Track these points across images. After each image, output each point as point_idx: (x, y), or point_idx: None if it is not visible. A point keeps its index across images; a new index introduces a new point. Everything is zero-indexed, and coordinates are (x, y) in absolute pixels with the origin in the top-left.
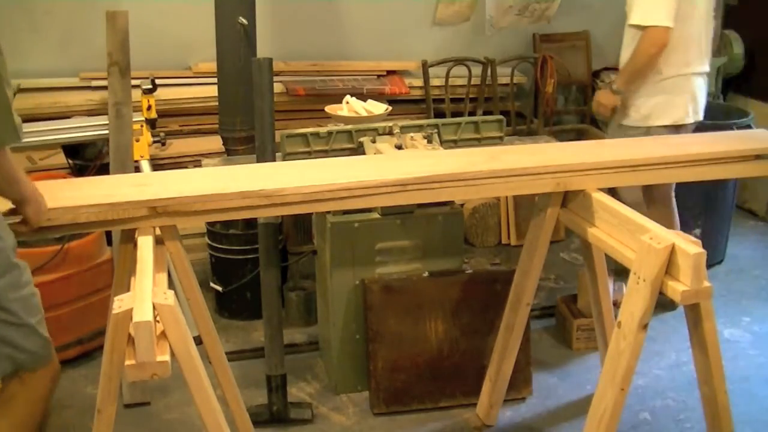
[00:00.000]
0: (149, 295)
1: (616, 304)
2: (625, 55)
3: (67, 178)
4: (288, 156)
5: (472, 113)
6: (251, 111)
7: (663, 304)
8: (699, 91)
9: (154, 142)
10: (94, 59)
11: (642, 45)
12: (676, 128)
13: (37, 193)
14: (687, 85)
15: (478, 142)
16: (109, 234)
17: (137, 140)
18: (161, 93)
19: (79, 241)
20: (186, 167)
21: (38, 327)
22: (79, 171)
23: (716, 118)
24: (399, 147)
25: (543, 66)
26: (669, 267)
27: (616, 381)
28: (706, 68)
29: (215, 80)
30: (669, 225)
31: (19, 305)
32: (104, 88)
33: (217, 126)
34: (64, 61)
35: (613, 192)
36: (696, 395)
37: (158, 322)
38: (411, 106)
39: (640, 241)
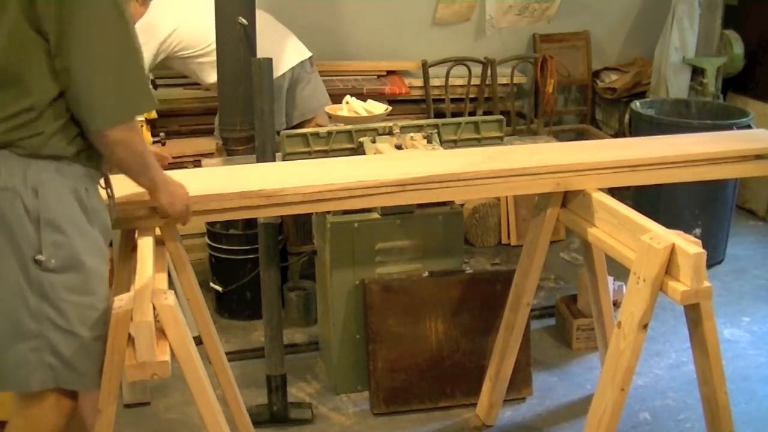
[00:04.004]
0: (149, 295)
1: (616, 304)
2: None
3: None
4: (288, 156)
5: (472, 113)
6: (251, 111)
7: None
8: None
9: (154, 142)
10: None
11: None
12: None
13: (171, 182)
14: None
15: (478, 142)
16: None
17: None
18: (161, 93)
19: None
20: (186, 167)
21: (91, 344)
22: None
23: (716, 118)
24: (399, 147)
25: (543, 66)
26: (669, 267)
27: (616, 381)
28: None
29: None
30: None
31: (73, 310)
32: None
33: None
34: None
35: None
36: (696, 395)
37: (158, 322)
38: (411, 106)
39: (640, 241)
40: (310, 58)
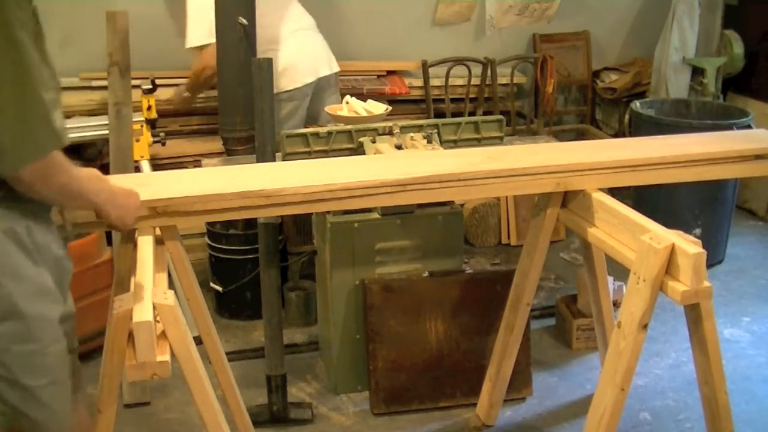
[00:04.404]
0: (149, 295)
1: (616, 304)
2: None
3: None
4: (288, 156)
5: (472, 113)
6: (251, 111)
7: None
8: None
9: (154, 142)
10: (94, 59)
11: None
12: None
13: (116, 195)
14: None
15: (478, 142)
16: (109, 234)
17: (137, 140)
18: (161, 93)
19: (78, 241)
20: (186, 167)
21: (39, 391)
22: None
23: (716, 118)
24: (399, 147)
25: (543, 66)
26: (669, 267)
27: (616, 381)
28: None
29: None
30: None
31: (14, 360)
32: (104, 88)
33: (217, 126)
34: (65, 62)
35: None
36: (696, 395)
37: (158, 322)
38: (411, 106)
39: (640, 241)
40: (336, 73)
